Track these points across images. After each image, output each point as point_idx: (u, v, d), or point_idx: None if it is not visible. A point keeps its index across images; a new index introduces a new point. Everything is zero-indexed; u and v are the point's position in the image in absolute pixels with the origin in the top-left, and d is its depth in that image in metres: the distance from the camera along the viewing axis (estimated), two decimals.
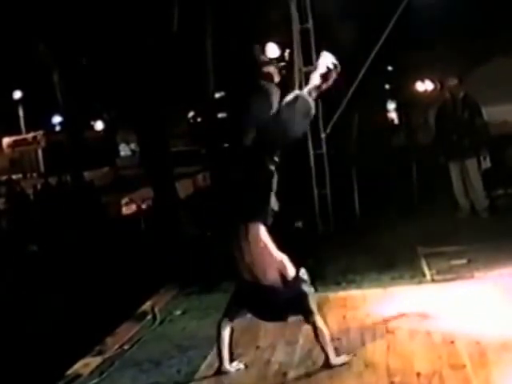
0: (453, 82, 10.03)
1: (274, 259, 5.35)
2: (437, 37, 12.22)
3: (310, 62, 9.85)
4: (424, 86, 14.76)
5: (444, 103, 10.30)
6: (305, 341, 5.94)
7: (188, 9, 11.71)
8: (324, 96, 9.62)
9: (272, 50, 11.37)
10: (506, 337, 5.39)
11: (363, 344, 5.75)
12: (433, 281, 7.42)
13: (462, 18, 11.55)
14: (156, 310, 7.43)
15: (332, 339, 5.43)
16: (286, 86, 10.15)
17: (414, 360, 5.26)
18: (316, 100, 9.15)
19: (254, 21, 10.75)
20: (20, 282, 10.59)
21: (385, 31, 9.74)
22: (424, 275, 7.66)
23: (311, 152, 10.37)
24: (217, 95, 13.33)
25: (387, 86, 14.44)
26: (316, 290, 5.82)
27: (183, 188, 15.15)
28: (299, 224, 10.15)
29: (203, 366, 5.78)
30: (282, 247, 8.53)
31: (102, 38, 13.43)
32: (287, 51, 11.17)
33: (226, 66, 11.80)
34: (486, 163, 9.95)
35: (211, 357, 5.90)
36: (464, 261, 7.90)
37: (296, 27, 9.97)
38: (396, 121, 16.43)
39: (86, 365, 6.22)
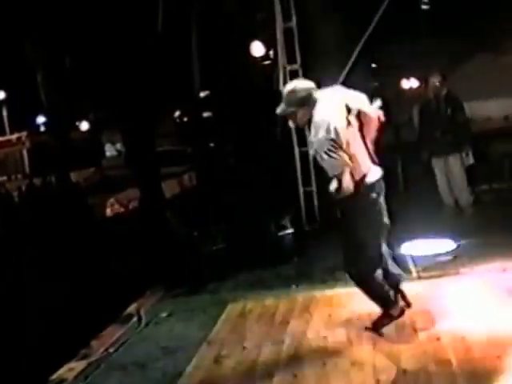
0: (436, 78, 10.03)
1: None
2: (421, 34, 12.23)
3: (294, 61, 9.87)
4: (409, 83, 14.78)
5: (427, 100, 10.31)
6: (291, 341, 5.95)
7: (173, 8, 11.67)
8: None
9: (257, 49, 11.38)
10: (492, 332, 5.42)
11: (349, 342, 5.76)
12: (419, 278, 7.43)
13: (446, 16, 11.57)
14: (142, 312, 7.40)
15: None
16: (270, 84, 10.22)
17: (401, 357, 5.28)
18: None
19: (239, 20, 10.73)
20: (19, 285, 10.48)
21: (368, 28, 9.77)
22: (410, 272, 7.67)
23: (296, 150, 10.38)
24: (202, 94, 13.30)
25: (372, 84, 14.45)
26: None
27: (169, 188, 15.11)
28: (285, 222, 10.14)
29: (189, 368, 5.77)
30: (268, 245, 8.62)
31: (87, 38, 13.38)
32: (271, 50, 11.16)
33: (212, 65, 11.78)
34: (469, 159, 9.96)
35: (197, 359, 5.89)
36: (450, 257, 7.93)
37: (280, 26, 9.98)
38: (382, 118, 16.46)
39: (70, 369, 6.19)
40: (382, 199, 5.71)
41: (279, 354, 5.73)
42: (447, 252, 8.07)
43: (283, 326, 6.31)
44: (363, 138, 5.58)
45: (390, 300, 5.77)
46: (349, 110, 5.48)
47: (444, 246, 8.28)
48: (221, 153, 11.80)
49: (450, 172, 9.94)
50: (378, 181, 5.64)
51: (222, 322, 6.76)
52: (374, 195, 5.57)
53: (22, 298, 9.53)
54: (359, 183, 5.44)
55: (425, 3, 10.25)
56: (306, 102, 5.50)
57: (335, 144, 5.25)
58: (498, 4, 11.29)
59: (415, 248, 8.34)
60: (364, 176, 5.49)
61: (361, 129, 5.57)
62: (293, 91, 5.57)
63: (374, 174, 5.61)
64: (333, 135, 5.26)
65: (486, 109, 11.40)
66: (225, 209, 9.73)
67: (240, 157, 11.56)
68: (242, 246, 8.62)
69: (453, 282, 7.00)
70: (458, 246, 8.17)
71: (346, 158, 5.30)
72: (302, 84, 5.69)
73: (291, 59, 9.76)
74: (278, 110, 5.62)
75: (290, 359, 5.60)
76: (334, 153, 5.25)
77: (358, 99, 5.61)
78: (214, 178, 10.87)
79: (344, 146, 5.29)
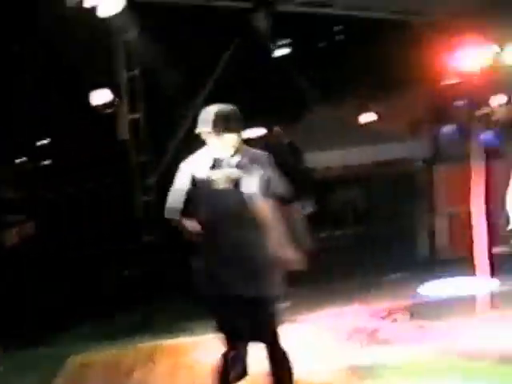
0: (278, 130, 10.37)
1: None
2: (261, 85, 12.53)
3: (136, 109, 9.83)
4: (251, 132, 15.04)
5: (271, 149, 10.57)
6: None
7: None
8: (155, 140, 9.74)
9: (98, 98, 11.25)
10: (330, 377, 5.59)
11: None
12: None
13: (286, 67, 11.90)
14: None
15: None
16: (113, 134, 10.15)
17: None
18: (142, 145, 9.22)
19: (80, 67, 10.60)
20: None
21: (210, 78, 9.94)
22: None
23: (140, 199, 10.30)
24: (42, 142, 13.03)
25: None
26: None
27: (7, 238, 14.54)
28: (132, 272, 10.04)
29: None
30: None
31: None
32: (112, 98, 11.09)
33: (52, 113, 11.56)
34: (310, 207, 10.24)
35: None
36: (286, 304, 8.08)
37: (123, 74, 9.95)
38: None
39: None
40: None
41: None
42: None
43: (127, 377, 6.21)
44: None
45: None
46: None
47: None
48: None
49: (292, 219, 10.16)
50: None
51: (61, 378, 6.52)
52: None
53: None
54: None
55: (275, 48, 10.48)
56: None
57: None
58: (341, 57, 11.83)
59: None
60: None
61: None
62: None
63: None
64: None
65: (325, 159, 11.81)
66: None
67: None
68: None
69: (292, 328, 7.13)
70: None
71: None
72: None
73: (134, 108, 9.74)
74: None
75: None
76: None
77: None
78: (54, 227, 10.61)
79: None
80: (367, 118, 12.42)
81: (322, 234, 11.09)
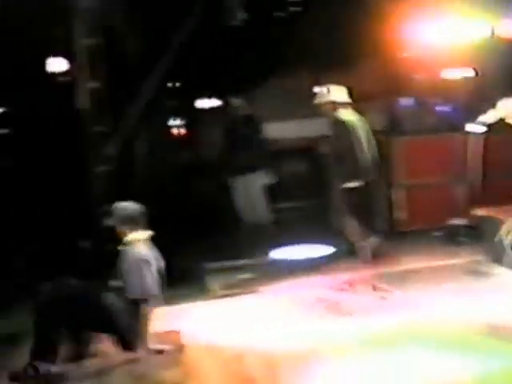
0: (236, 100, 10.32)
1: None
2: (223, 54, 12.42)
3: (97, 77, 9.62)
4: (209, 102, 14.93)
5: (229, 120, 10.54)
6: None
7: None
8: (112, 111, 9.58)
9: (54, 65, 11.05)
10: (294, 348, 5.58)
11: (155, 364, 5.70)
12: (219, 296, 7.52)
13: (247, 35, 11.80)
14: None
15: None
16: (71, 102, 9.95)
17: (205, 377, 5.30)
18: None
19: (31, 35, 10.33)
20: None
21: (170, 47, 9.80)
22: (210, 290, 7.75)
23: (99, 168, 10.10)
24: None
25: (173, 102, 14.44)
26: None
27: None
28: (85, 244, 9.86)
29: None
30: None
31: None
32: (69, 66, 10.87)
33: (7, 81, 11.28)
34: (268, 178, 10.23)
35: None
36: (250, 275, 8.11)
37: (82, 42, 9.68)
38: (183, 137, 16.52)
39: None
40: None
41: None
42: (246, 270, 8.26)
43: None
44: None
45: None
46: None
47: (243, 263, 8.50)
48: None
49: (250, 191, 10.16)
50: None
51: None
52: None
53: None
54: None
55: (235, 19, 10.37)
56: None
57: None
58: (296, 28, 11.76)
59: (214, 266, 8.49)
60: None
61: None
62: None
63: None
64: None
65: (282, 129, 11.78)
66: None
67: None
68: None
69: (253, 299, 7.15)
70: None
71: None
72: None
73: (94, 76, 9.52)
74: None
75: None
76: None
77: None
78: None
79: None
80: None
81: (284, 205, 11.08)
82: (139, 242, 5.84)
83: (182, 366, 5.58)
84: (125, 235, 5.85)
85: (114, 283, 5.83)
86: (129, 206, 5.96)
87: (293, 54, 11.77)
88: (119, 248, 5.84)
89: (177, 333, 6.09)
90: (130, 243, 5.82)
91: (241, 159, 10.00)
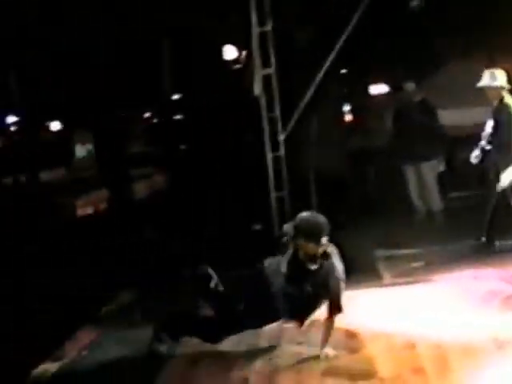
0: (410, 85, 10.13)
1: None
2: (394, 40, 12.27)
3: (268, 65, 9.82)
4: (378, 89, 14.82)
5: (401, 106, 10.40)
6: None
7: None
8: (283, 97, 9.72)
9: (229, 53, 11.35)
10: (466, 341, 5.45)
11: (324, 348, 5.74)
12: (391, 284, 7.46)
13: (421, 20, 11.59)
14: None
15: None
16: (243, 88, 10.20)
17: (376, 364, 5.28)
18: (273, 101, 9.22)
19: (213, 22, 10.67)
20: None
21: (343, 34, 9.76)
22: (382, 278, 7.71)
23: (269, 154, 10.31)
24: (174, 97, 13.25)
25: (343, 89, 14.46)
26: None
27: (139, 189, 15.02)
28: (257, 227, 10.12)
29: None
30: (239, 250, 8.55)
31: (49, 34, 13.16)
32: (244, 53, 11.12)
33: (183, 68, 11.72)
34: (441, 166, 10.05)
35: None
36: (422, 263, 7.98)
37: (255, 30, 9.91)
38: (352, 124, 16.52)
39: (45, 370, 6.06)
40: None
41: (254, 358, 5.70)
42: (419, 258, 8.13)
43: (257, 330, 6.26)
44: None
45: None
46: None
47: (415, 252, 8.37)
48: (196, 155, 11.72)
49: (422, 178, 10.01)
50: None
51: None
52: None
53: None
54: None
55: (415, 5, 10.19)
56: None
57: None
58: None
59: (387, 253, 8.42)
60: None
61: None
62: None
63: None
64: None
65: (458, 116, 11.47)
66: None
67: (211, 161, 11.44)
68: None
69: (425, 289, 7.04)
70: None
71: None
72: None
73: (265, 63, 9.70)
74: None
75: (265, 363, 5.57)
76: None
77: None
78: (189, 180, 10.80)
79: None
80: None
81: (454, 194, 10.81)
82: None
83: (352, 351, 5.59)
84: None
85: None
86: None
87: (468, 40, 11.46)
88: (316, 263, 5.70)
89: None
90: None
91: (417, 146, 9.84)
